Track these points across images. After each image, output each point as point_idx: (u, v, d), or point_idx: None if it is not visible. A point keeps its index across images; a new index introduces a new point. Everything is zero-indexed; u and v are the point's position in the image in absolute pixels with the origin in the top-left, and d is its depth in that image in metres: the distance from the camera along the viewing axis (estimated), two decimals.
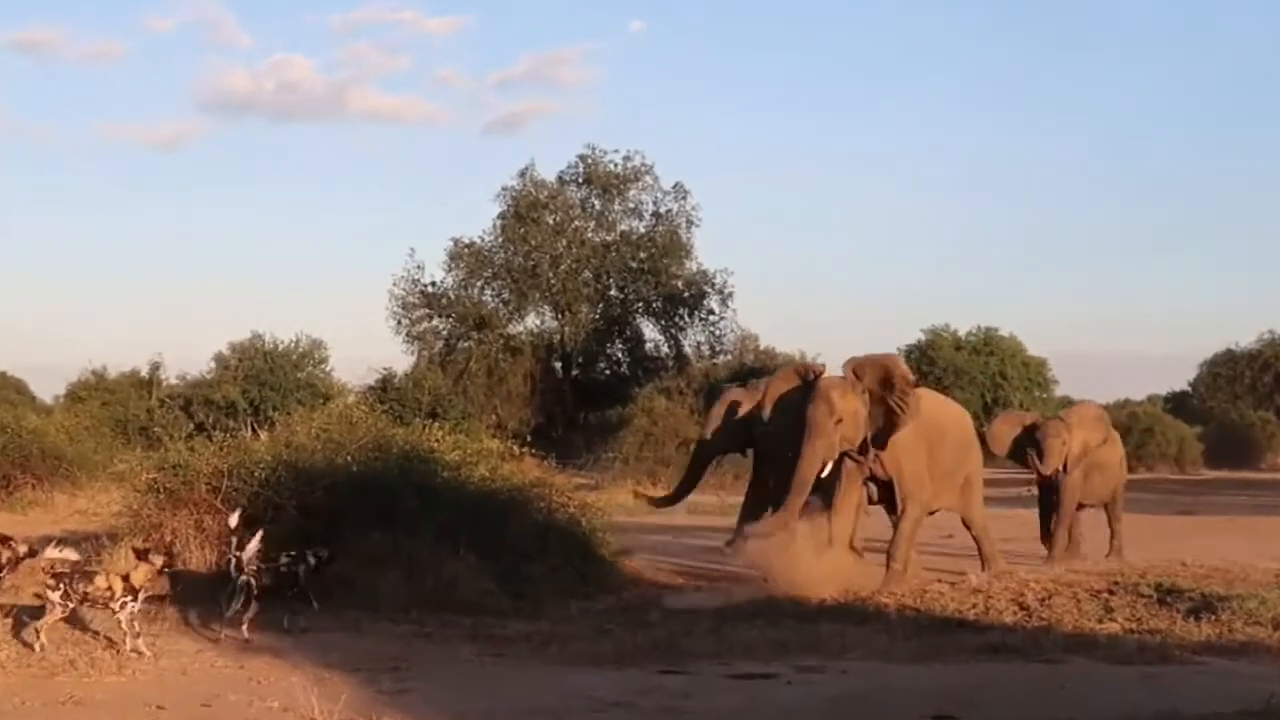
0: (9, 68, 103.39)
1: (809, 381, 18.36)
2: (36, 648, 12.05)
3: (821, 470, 17.81)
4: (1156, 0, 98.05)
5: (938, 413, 19.24)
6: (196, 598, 14.52)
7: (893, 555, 18.24)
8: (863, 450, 18.12)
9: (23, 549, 14.33)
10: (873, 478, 18.51)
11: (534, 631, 13.99)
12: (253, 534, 14.09)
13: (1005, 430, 22.06)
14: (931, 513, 19.52)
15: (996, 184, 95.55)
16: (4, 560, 14.12)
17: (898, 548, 18.27)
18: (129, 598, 12.40)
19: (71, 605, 12.37)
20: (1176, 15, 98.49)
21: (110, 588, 12.42)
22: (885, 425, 17.99)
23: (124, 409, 45.93)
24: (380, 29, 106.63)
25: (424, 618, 14.51)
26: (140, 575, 12.59)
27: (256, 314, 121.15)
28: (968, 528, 20.02)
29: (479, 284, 51.46)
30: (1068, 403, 47.49)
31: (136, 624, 12.42)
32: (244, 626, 13.28)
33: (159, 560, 12.98)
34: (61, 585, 12.33)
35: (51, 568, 12.70)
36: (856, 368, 18.20)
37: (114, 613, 12.41)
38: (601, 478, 36.33)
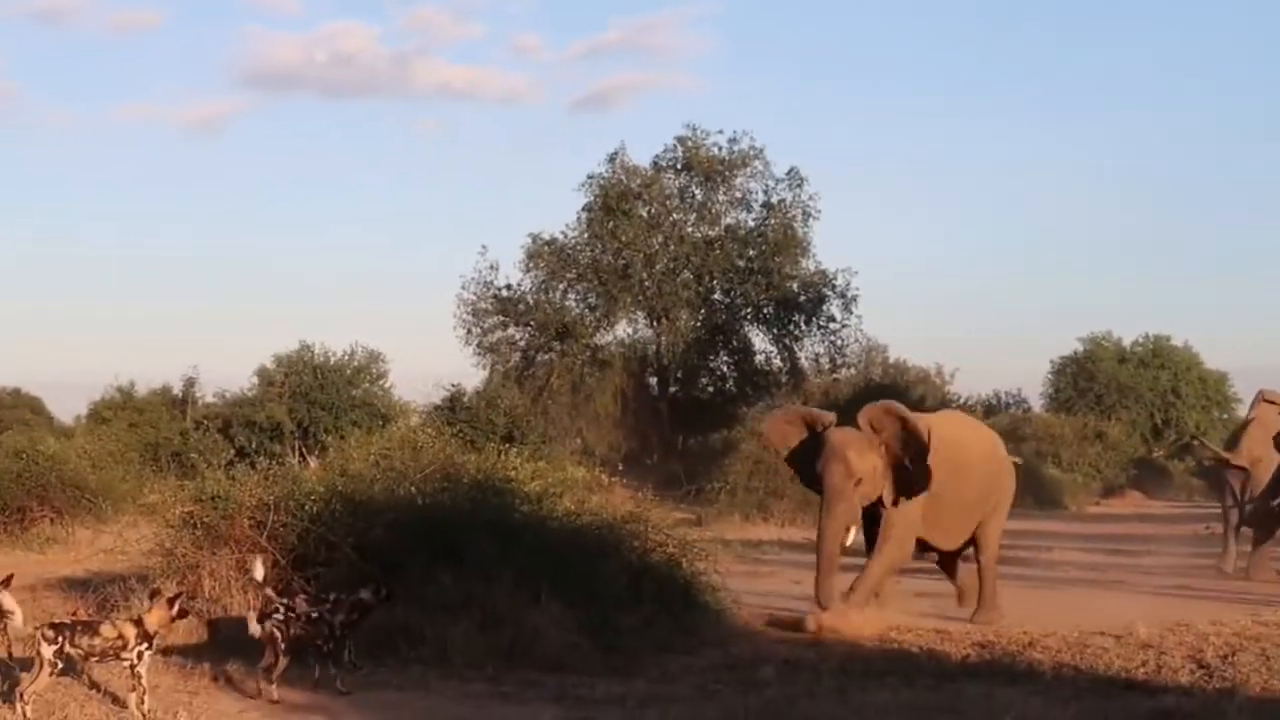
0: (26, 40, 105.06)
1: (817, 433, 19.45)
2: (23, 712, 11.92)
3: (845, 539, 19.00)
4: None
5: (956, 444, 19.74)
6: (237, 649, 14.68)
7: (854, 588, 18.86)
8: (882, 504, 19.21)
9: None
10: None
11: (628, 692, 13.99)
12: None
13: None
14: (956, 553, 20.61)
15: (1168, 173, 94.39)
16: None
17: (864, 583, 18.94)
18: (144, 645, 12.43)
19: (60, 665, 12.28)
20: None
21: (121, 635, 12.43)
22: (908, 484, 19.03)
23: (154, 431, 46.54)
24: None
25: (500, 675, 14.55)
26: (155, 618, 12.60)
27: (304, 321, 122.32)
28: (975, 559, 20.53)
29: (561, 287, 51.50)
30: None
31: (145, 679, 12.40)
32: (272, 685, 13.34)
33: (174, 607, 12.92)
34: (60, 638, 12.23)
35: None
36: (875, 421, 19.20)
37: (131, 666, 12.42)
38: (705, 511, 36.32)
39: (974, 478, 19.81)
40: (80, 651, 12.31)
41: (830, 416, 19.76)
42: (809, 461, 19.32)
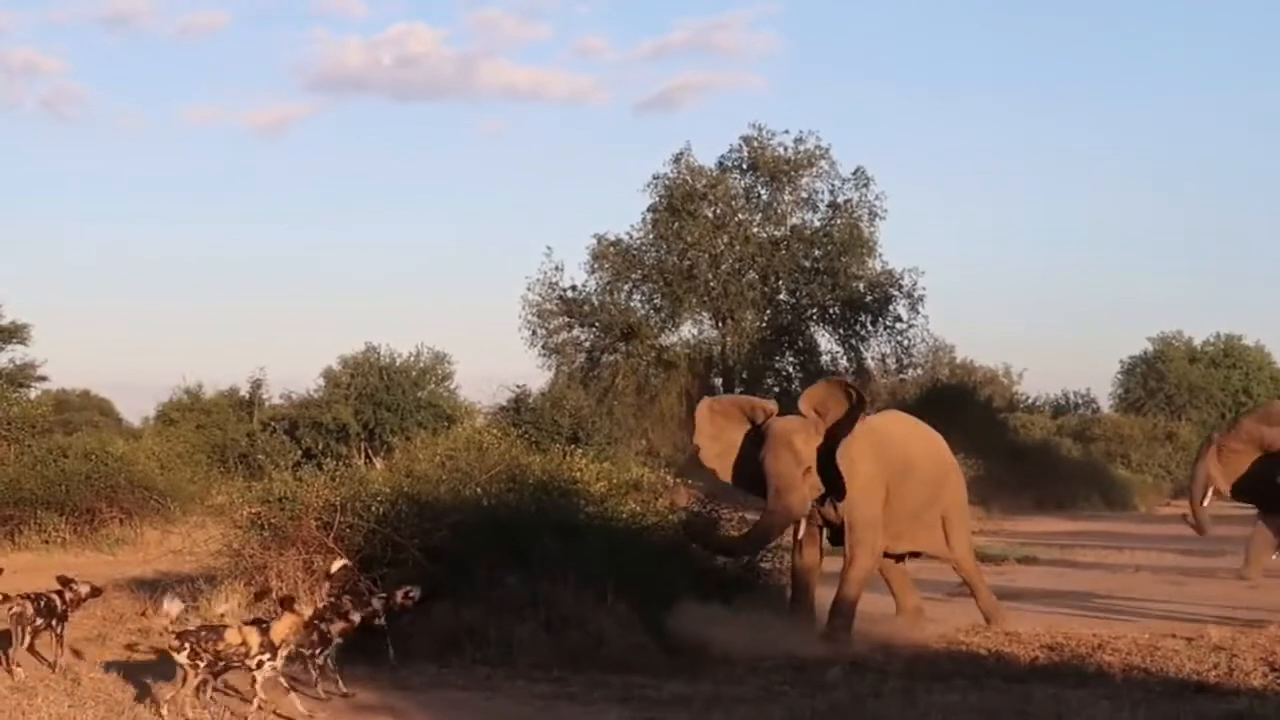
0: (96, 45, 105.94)
1: (758, 425, 18.34)
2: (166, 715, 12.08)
3: (798, 532, 17.99)
4: None
5: (902, 443, 18.99)
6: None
7: (834, 611, 17.89)
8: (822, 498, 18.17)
9: (84, 589, 14.80)
10: (824, 521, 18.38)
11: (694, 694, 13.98)
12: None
13: None
14: (913, 556, 19.54)
15: (1239, 169, 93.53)
16: (66, 604, 14.57)
17: (842, 603, 17.90)
18: (266, 655, 12.40)
19: (203, 665, 12.26)
20: None
21: (245, 643, 12.39)
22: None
23: (222, 433, 46.76)
24: None
25: (566, 675, 14.58)
26: (283, 628, 12.60)
27: (371, 322, 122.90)
28: (956, 571, 19.84)
29: (627, 287, 51.53)
30: None
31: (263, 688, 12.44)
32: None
33: (306, 610, 12.90)
34: (187, 644, 12.26)
35: (172, 623, 12.55)
36: (818, 405, 18.28)
37: (250, 672, 12.38)
38: None
39: (921, 478, 18.94)
40: (207, 656, 12.35)
41: (773, 405, 18.83)
42: (747, 457, 18.28)
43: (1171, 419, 57.56)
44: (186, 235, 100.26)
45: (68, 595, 14.62)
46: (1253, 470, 20.71)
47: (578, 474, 18.88)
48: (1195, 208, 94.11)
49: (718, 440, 18.61)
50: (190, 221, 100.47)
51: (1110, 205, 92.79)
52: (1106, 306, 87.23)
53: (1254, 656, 15.82)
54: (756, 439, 18.19)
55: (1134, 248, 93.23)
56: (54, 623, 14.42)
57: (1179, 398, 59.55)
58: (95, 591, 15.06)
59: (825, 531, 18.48)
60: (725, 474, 18.68)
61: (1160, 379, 60.60)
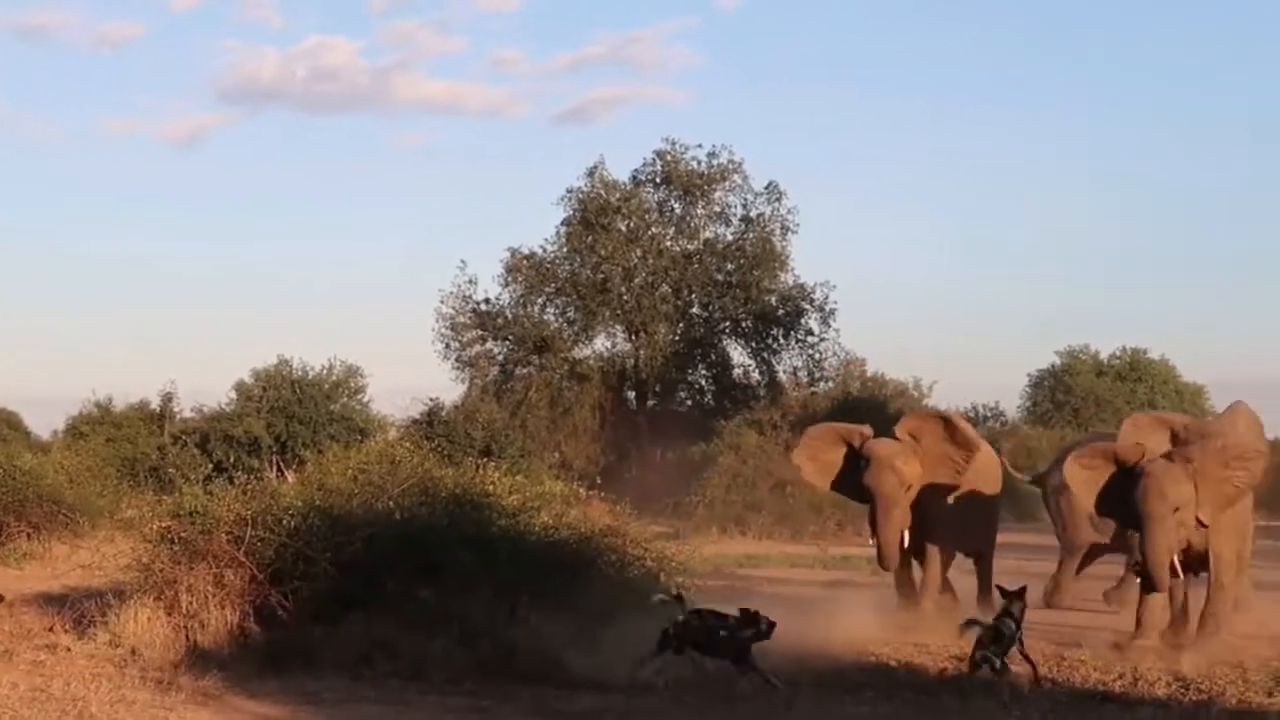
0: (10, 56, 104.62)
1: (855, 446, 20.85)
2: None
3: (904, 541, 20.32)
4: None
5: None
6: (215, 663, 14.71)
7: (919, 602, 20.46)
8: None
9: None
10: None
11: (606, 707, 14.00)
12: None
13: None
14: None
15: (1145, 185, 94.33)
16: None
17: (926, 594, 20.62)
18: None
19: None
20: None
21: None
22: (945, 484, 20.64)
23: (132, 446, 46.31)
24: (431, 5, 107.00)
25: (479, 689, 14.56)
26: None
27: (283, 336, 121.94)
28: (977, 566, 21.92)
29: (540, 301, 51.45)
30: None
31: None
32: None
33: None
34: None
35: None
36: (914, 430, 20.79)
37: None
38: (683, 525, 36.31)
39: (982, 481, 21.34)
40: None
41: (867, 429, 21.07)
42: (848, 471, 20.90)
43: (1079, 431, 57.89)
44: (98, 247, 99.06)
45: None
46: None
47: (490, 487, 18.84)
48: (1103, 222, 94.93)
49: (815, 460, 21.46)
50: (102, 233, 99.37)
51: (1019, 219, 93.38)
52: (1015, 320, 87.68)
53: (1158, 667, 15.99)
54: (855, 457, 20.82)
55: (1042, 261, 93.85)
56: None
57: (1085, 410, 59.93)
58: None
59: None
60: (824, 485, 21.96)
61: (1068, 392, 60.96)
